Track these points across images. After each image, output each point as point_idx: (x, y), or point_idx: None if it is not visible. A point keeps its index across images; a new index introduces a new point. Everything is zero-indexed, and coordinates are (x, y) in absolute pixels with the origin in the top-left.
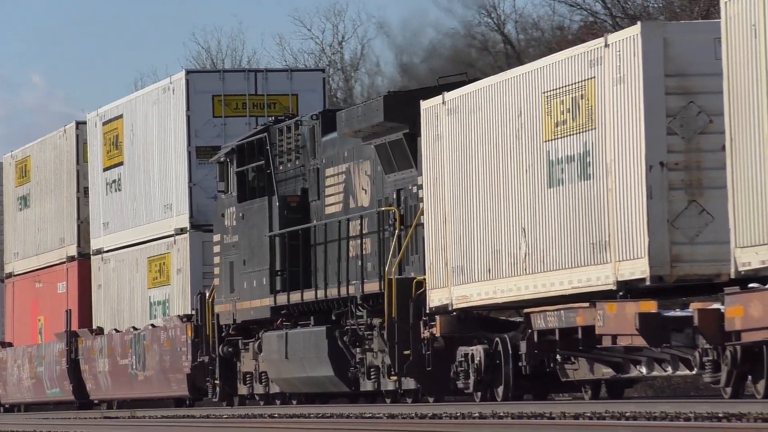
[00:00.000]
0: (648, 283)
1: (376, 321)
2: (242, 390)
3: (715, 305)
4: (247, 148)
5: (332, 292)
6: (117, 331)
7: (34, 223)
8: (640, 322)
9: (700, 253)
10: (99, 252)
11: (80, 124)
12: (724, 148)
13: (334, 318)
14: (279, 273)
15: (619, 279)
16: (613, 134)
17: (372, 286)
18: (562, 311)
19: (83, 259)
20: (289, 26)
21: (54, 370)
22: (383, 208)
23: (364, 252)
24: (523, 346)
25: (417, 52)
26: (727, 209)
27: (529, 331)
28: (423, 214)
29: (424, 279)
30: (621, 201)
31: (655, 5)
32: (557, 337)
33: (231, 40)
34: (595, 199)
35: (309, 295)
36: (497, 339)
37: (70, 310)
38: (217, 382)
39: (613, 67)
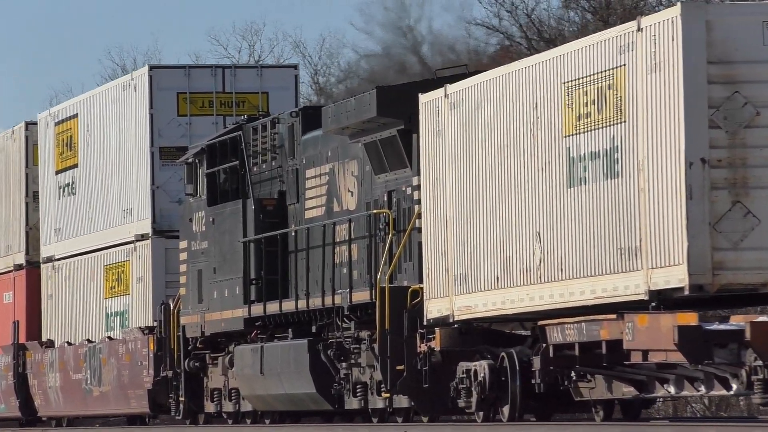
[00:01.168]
0: (687, 292)
1: (364, 333)
2: (209, 408)
3: (762, 318)
4: (219, 148)
5: (315, 302)
6: (69, 344)
7: None
8: (679, 336)
9: (745, 260)
10: (50, 260)
11: (30, 125)
12: None
13: (314, 330)
14: (254, 281)
15: (652, 288)
16: (646, 128)
17: (361, 296)
18: (583, 324)
19: (32, 267)
20: (206, 45)
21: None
22: (374, 211)
23: (351, 259)
24: (536, 362)
25: (333, 72)
26: None
27: (544, 345)
28: (419, 218)
29: (420, 288)
30: (655, 202)
31: (570, 29)
32: (576, 352)
33: (147, 58)
34: (623, 200)
35: (288, 306)
36: (503, 354)
37: (17, 321)
38: (181, 398)
39: (647, 54)
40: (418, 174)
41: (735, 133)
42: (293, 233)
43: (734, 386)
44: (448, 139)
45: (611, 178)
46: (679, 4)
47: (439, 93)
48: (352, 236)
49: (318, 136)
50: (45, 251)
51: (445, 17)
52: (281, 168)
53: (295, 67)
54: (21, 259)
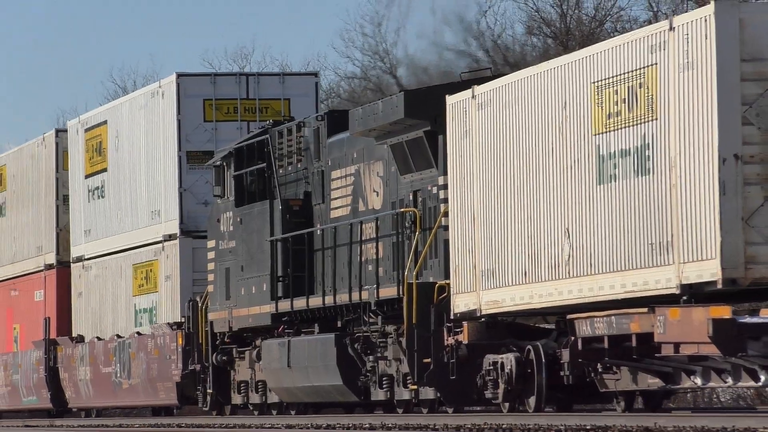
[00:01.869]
0: (720, 286)
1: (391, 328)
2: (236, 399)
3: None
4: (246, 151)
5: (342, 298)
6: (99, 339)
7: (10, 231)
8: (714, 328)
9: None
10: (80, 260)
11: (60, 132)
12: None
13: (339, 325)
14: (281, 279)
15: (684, 282)
16: (678, 125)
17: (388, 291)
18: (613, 317)
19: (62, 267)
20: (199, 67)
21: (31, 378)
22: (402, 210)
23: (378, 256)
24: (565, 355)
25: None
26: None
27: (573, 338)
28: (446, 216)
29: (447, 283)
30: (687, 197)
31: (533, 54)
32: (606, 344)
33: (146, 80)
34: (655, 196)
35: (315, 302)
36: (529, 347)
37: (48, 318)
38: (209, 390)
39: (680, 52)
40: (444, 174)
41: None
42: (319, 232)
43: (762, 378)
44: (475, 139)
45: (642, 175)
46: (712, 2)
47: (466, 94)
48: (379, 234)
49: (343, 138)
50: (75, 251)
51: (419, 43)
52: (307, 170)
53: (316, 74)
54: (51, 259)
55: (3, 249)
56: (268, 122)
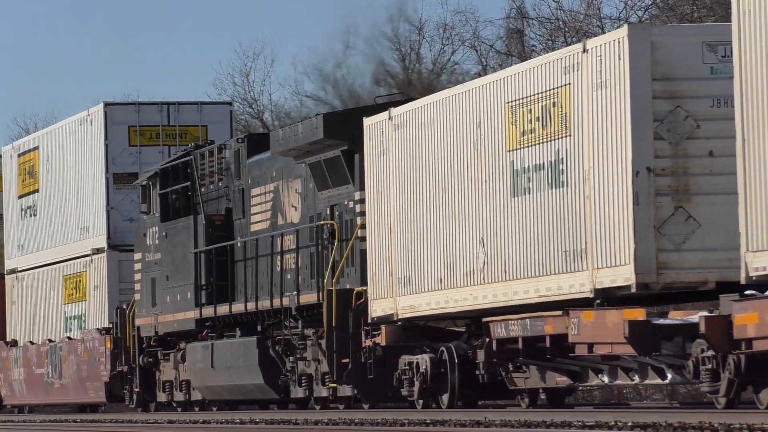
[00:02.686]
0: (633, 290)
1: (310, 331)
2: (161, 397)
3: (700, 313)
4: (171, 172)
5: (264, 304)
6: (32, 343)
7: None
8: (630, 329)
9: (687, 260)
10: (13, 271)
11: None
12: (711, 153)
13: (259, 330)
14: (204, 287)
15: (597, 287)
16: (591, 141)
17: (309, 297)
18: (527, 320)
19: None
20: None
21: None
22: (321, 222)
23: (298, 265)
24: (481, 355)
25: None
26: (724, 214)
27: (488, 339)
28: (362, 228)
29: (364, 290)
30: (601, 208)
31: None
32: (520, 345)
33: (45, 122)
34: (569, 207)
35: (238, 308)
36: (443, 348)
37: None
38: (136, 389)
39: (593, 72)
40: (360, 189)
41: (677, 144)
42: (240, 244)
43: (669, 375)
44: (392, 157)
45: (556, 188)
46: (625, 25)
47: (383, 116)
48: (299, 245)
49: (262, 158)
50: (9, 264)
51: (282, 91)
52: (228, 188)
53: (230, 104)
54: None
55: None
56: (190, 145)
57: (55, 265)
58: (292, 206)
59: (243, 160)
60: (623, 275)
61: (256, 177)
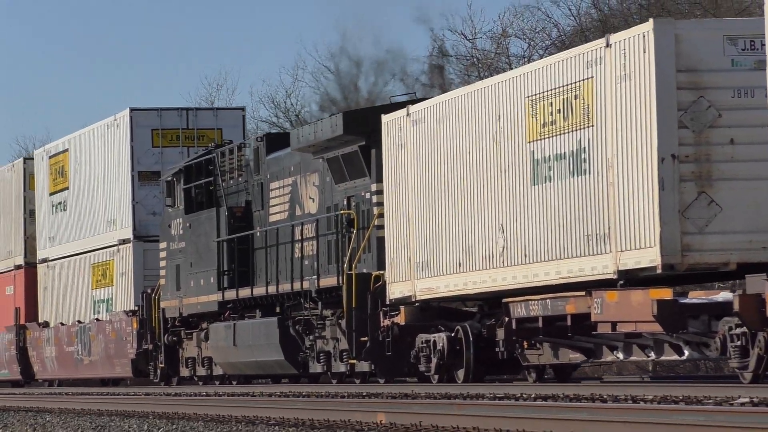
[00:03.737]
0: (659, 271)
1: (328, 312)
2: (184, 372)
3: (723, 293)
4: (195, 168)
5: (284, 287)
6: (63, 324)
7: None
8: (658, 308)
9: (709, 243)
10: (45, 261)
11: (27, 160)
12: (732, 141)
13: (278, 311)
14: (226, 273)
15: (621, 268)
16: (614, 130)
17: (329, 281)
18: (548, 300)
19: (30, 267)
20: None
21: (3, 356)
22: (341, 212)
23: (318, 252)
24: (500, 333)
25: None
26: (745, 198)
27: (507, 319)
28: (380, 216)
29: (381, 274)
30: (625, 194)
31: None
32: (540, 324)
33: (42, 143)
34: (592, 194)
35: (259, 291)
36: (458, 327)
37: (18, 308)
38: (160, 365)
39: (617, 65)
40: (377, 181)
41: (700, 133)
42: (261, 233)
43: (686, 352)
44: (410, 150)
45: (578, 175)
46: (651, 20)
47: (401, 113)
48: (319, 233)
49: (280, 155)
50: (41, 254)
51: None
52: (247, 183)
53: (243, 109)
54: (20, 261)
55: None
56: (210, 145)
57: (83, 255)
58: (310, 198)
59: (262, 157)
60: (648, 257)
61: (274, 172)
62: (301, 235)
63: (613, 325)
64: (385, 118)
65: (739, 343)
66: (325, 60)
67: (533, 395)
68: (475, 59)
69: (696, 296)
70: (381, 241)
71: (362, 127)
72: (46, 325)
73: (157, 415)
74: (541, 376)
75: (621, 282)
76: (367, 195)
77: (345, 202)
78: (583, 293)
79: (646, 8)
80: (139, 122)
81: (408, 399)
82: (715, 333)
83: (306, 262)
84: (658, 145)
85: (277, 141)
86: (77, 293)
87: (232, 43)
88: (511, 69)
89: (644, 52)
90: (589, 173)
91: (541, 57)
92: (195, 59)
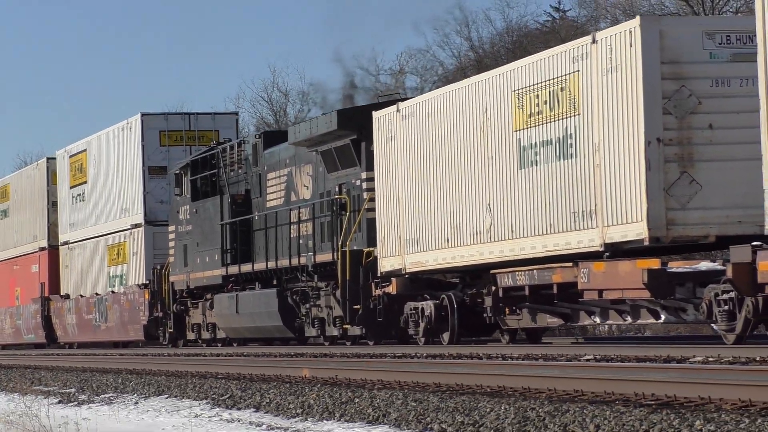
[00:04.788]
0: (647, 243)
1: (322, 284)
2: (190, 336)
3: (703, 262)
4: (200, 162)
5: (283, 263)
6: (82, 296)
7: (13, 227)
8: (649, 277)
9: (691, 218)
10: (66, 243)
11: (50, 159)
12: (711, 126)
13: (275, 284)
14: (229, 251)
15: (607, 241)
16: (600, 117)
17: (324, 257)
18: (535, 270)
19: (52, 249)
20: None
21: (30, 323)
22: (336, 196)
23: (314, 232)
24: (488, 301)
25: None
26: (722, 177)
27: (494, 288)
28: (370, 201)
29: (372, 250)
30: (613, 174)
31: None
32: (527, 293)
33: (37, 156)
34: (578, 175)
35: (259, 266)
36: (444, 296)
37: (43, 282)
38: (169, 330)
39: (603, 59)
40: (367, 170)
41: (682, 118)
42: (260, 217)
43: (663, 316)
44: (399, 142)
45: (565, 159)
46: (637, 17)
47: (391, 109)
48: (315, 215)
49: (276, 150)
50: (62, 238)
51: None
52: (247, 174)
53: (236, 114)
54: (44, 243)
55: (8, 238)
56: (212, 142)
57: (100, 238)
58: (304, 186)
59: (260, 151)
60: (635, 231)
61: (271, 164)
62: (298, 217)
63: (600, 292)
64: (376, 114)
65: (726, 307)
66: (260, 91)
67: (454, 353)
68: (379, 91)
69: (679, 266)
70: (370, 222)
71: (354, 122)
72: (67, 297)
73: (128, 371)
74: (513, 338)
75: (606, 254)
76: (358, 182)
77: (337, 189)
78: (570, 264)
79: (512, 51)
80: (148, 125)
81: (327, 358)
82: (699, 299)
83: (301, 241)
84: (645, 130)
85: (272, 138)
86: (94, 270)
87: (188, 75)
88: (411, 98)
89: (630, 46)
90: (576, 157)
91: (431, 89)
92: (161, 86)
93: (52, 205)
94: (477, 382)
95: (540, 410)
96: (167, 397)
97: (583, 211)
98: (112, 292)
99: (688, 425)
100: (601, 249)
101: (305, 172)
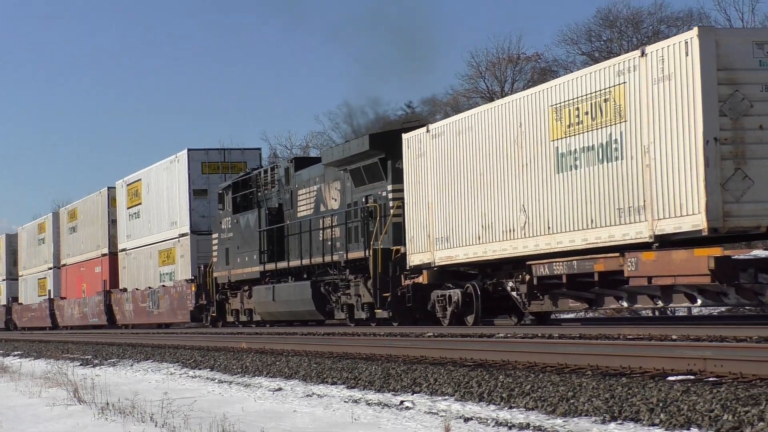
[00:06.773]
0: (705, 233)
1: (352, 276)
2: (230, 319)
3: (756, 252)
4: (241, 184)
5: (316, 260)
6: (138, 289)
7: (81, 239)
8: (716, 264)
9: (744, 210)
10: (124, 250)
11: (110, 188)
12: (761, 127)
13: (305, 278)
14: (265, 252)
15: (657, 233)
16: (650, 122)
17: (356, 254)
18: (575, 261)
19: (112, 255)
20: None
21: (95, 309)
22: (368, 205)
23: (346, 234)
24: (523, 288)
25: None
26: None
27: (529, 277)
28: (397, 208)
29: (398, 249)
30: (664, 172)
31: None
32: (564, 281)
33: (67, 202)
34: (626, 175)
35: (294, 263)
36: (468, 285)
37: (105, 280)
38: (212, 314)
39: (654, 69)
40: (393, 183)
41: (736, 120)
42: (297, 224)
43: (699, 300)
44: (428, 158)
45: (609, 162)
46: (695, 28)
47: (421, 130)
48: (347, 221)
49: (305, 171)
50: (120, 246)
51: None
52: (280, 191)
53: (259, 149)
54: (105, 250)
55: (76, 248)
56: (248, 169)
57: (152, 245)
58: (333, 198)
59: (291, 173)
60: (691, 222)
61: (301, 182)
62: (330, 223)
63: (649, 279)
64: (406, 136)
65: None
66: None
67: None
68: (352, 135)
69: (739, 253)
70: (396, 226)
71: (382, 144)
72: (125, 290)
73: (126, 344)
74: (520, 320)
75: (656, 244)
76: (384, 193)
77: (364, 200)
78: (616, 255)
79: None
80: (193, 157)
81: (258, 334)
82: (761, 284)
83: (330, 243)
84: (704, 130)
85: (302, 162)
86: (147, 270)
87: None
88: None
89: (687, 55)
90: (622, 159)
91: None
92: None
93: (112, 222)
94: (405, 353)
95: (397, 369)
96: (152, 362)
97: (629, 207)
98: (163, 285)
99: (494, 378)
100: (651, 240)
101: (334, 187)
